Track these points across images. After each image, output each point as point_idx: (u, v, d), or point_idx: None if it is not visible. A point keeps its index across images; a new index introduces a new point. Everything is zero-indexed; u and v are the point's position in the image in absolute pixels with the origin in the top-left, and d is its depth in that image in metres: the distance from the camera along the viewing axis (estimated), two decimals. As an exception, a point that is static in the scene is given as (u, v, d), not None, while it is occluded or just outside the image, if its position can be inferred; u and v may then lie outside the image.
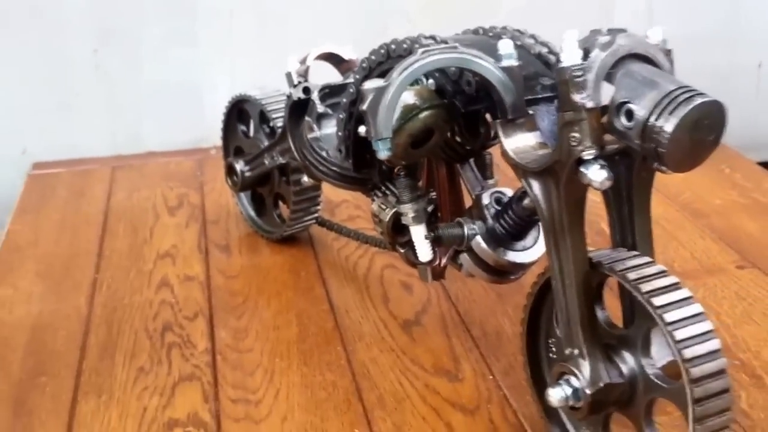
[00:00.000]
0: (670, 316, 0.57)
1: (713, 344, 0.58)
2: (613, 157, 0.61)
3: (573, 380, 0.62)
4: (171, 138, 1.31)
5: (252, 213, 1.07)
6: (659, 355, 0.62)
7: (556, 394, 0.62)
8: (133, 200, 1.17)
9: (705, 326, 0.58)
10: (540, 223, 0.67)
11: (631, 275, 0.60)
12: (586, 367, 0.62)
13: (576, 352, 0.62)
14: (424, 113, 0.66)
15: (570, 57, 0.57)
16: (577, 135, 0.58)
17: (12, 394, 0.79)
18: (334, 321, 0.88)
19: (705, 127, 0.55)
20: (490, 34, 0.72)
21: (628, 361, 0.62)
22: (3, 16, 1.24)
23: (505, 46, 0.62)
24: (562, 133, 0.59)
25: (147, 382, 0.80)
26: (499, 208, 0.71)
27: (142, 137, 1.33)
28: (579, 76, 0.57)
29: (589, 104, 0.57)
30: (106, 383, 0.80)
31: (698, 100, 0.54)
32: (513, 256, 0.71)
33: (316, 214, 1.01)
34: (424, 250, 0.76)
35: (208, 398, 0.77)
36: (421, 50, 0.62)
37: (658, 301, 0.58)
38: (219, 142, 1.07)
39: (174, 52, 1.30)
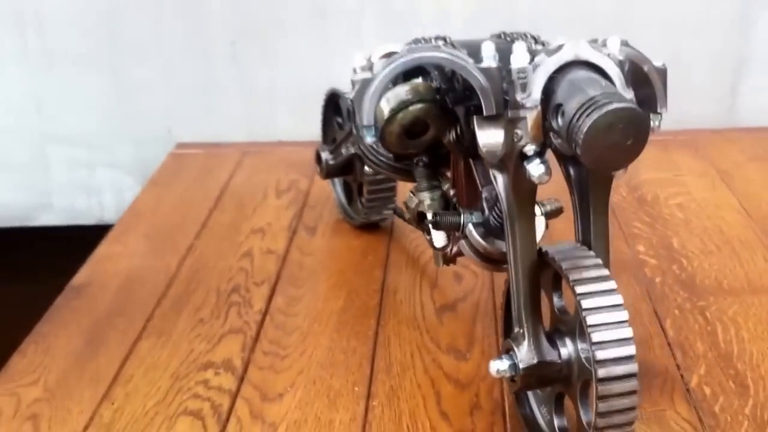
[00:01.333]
0: (592, 319, 0.62)
1: (627, 350, 0.62)
2: (574, 157, 0.66)
3: (513, 355, 0.67)
4: (300, 129, 1.43)
5: (343, 200, 1.17)
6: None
7: (494, 366, 0.68)
8: (250, 182, 1.30)
9: (624, 333, 0.62)
10: None
11: (573, 275, 0.64)
12: (524, 345, 0.67)
13: (521, 331, 0.68)
14: (415, 106, 0.74)
15: (518, 60, 0.64)
16: (519, 132, 0.64)
17: (90, 327, 0.93)
18: (379, 299, 0.96)
19: (620, 132, 0.59)
20: (508, 39, 0.78)
21: (567, 345, 0.67)
22: (156, 13, 1.41)
23: (487, 49, 0.68)
24: (507, 129, 0.65)
25: (201, 330, 0.92)
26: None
27: (274, 126, 1.47)
28: (522, 78, 0.63)
29: (528, 104, 0.63)
30: (168, 328, 0.92)
31: (612, 106, 0.59)
32: (501, 245, 0.77)
33: (392, 204, 1.09)
34: (437, 237, 0.83)
35: (245, 348, 0.88)
36: (407, 48, 0.70)
37: (586, 303, 0.63)
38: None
39: (305, 49, 1.42)
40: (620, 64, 0.65)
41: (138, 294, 1.00)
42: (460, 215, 0.79)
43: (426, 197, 0.84)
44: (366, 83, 0.69)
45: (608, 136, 0.59)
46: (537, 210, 0.80)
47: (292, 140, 1.46)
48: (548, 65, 0.63)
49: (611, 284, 0.64)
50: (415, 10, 1.41)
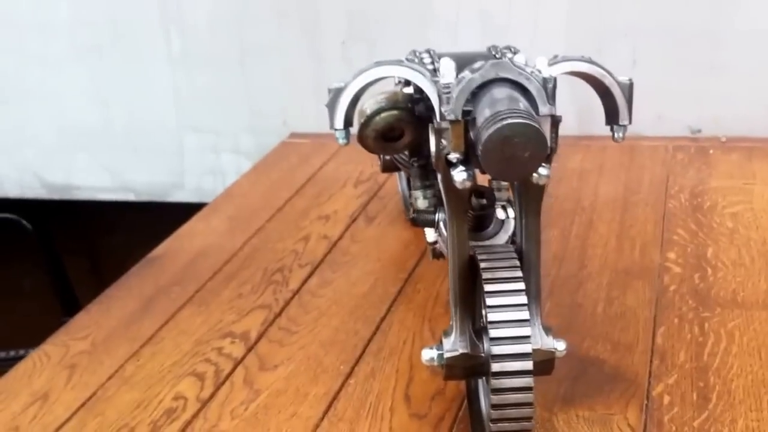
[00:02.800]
0: (493, 316, 0.67)
1: (523, 348, 0.67)
2: None
3: (441, 345, 0.73)
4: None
5: (406, 193, 1.24)
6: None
7: (425, 353, 0.74)
8: (336, 172, 1.40)
9: (522, 332, 0.67)
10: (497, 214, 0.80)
11: (486, 274, 0.70)
12: (452, 336, 0.73)
13: (451, 324, 0.74)
14: (388, 113, 0.81)
15: (446, 76, 0.69)
16: (443, 141, 0.70)
17: (149, 295, 1.07)
18: (400, 287, 1.04)
19: (516, 145, 0.64)
20: (494, 53, 0.84)
21: (485, 340, 0.72)
22: (276, 19, 1.54)
23: (445, 65, 0.74)
24: (435, 138, 0.71)
25: (236, 304, 1.03)
26: None
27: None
28: (446, 92, 0.69)
29: (450, 116, 0.69)
30: (210, 299, 1.05)
31: (508, 121, 0.64)
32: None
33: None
34: (428, 232, 0.90)
35: (265, 323, 0.99)
36: (374, 62, 0.77)
37: (490, 300, 0.68)
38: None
39: (405, 52, 1.50)
40: (544, 81, 0.69)
41: (199, 268, 1.12)
42: (435, 213, 0.85)
43: (419, 195, 0.90)
44: (338, 92, 0.78)
45: (505, 148, 0.64)
46: (509, 212, 0.85)
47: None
48: (471, 82, 0.69)
49: (519, 285, 0.69)
50: (512, 25, 1.46)
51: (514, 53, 0.84)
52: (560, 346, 0.74)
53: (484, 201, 0.81)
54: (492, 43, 0.87)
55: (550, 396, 0.82)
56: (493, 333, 0.67)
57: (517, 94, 0.68)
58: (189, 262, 1.15)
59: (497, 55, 0.84)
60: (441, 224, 0.85)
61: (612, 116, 0.78)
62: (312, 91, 1.57)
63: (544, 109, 0.69)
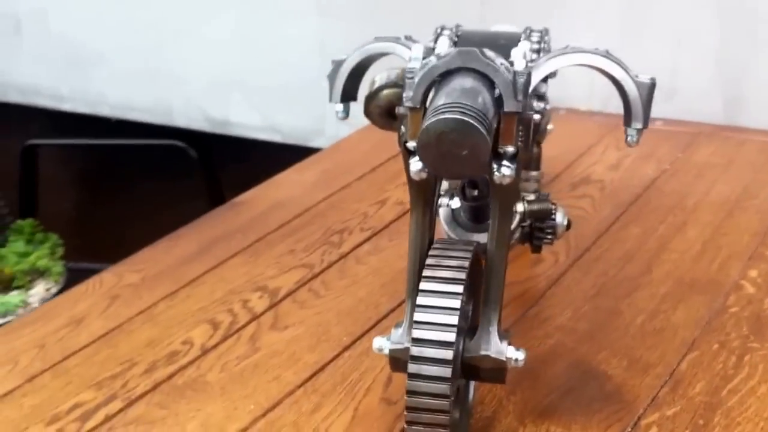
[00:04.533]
0: (418, 316, 0.64)
1: (445, 336, 0.63)
2: None
3: (390, 335, 0.71)
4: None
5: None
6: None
7: (375, 342, 0.71)
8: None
9: (445, 336, 0.64)
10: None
11: (427, 271, 0.67)
12: (400, 329, 0.70)
13: (405, 316, 0.71)
14: (390, 90, 0.77)
15: (413, 62, 0.66)
16: (403, 127, 0.66)
17: (214, 237, 1.10)
18: (446, 265, 1.01)
19: (452, 142, 0.60)
20: (525, 35, 0.78)
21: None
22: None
23: (415, 49, 0.69)
24: (397, 124, 0.67)
25: (284, 259, 1.04)
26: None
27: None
28: (410, 78, 0.65)
29: (409, 103, 0.65)
30: (263, 250, 1.06)
31: (444, 116, 0.60)
32: (460, 233, 0.79)
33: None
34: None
35: (299, 282, 0.99)
36: (374, 37, 0.74)
37: (421, 299, 0.65)
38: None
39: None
40: (516, 75, 0.64)
41: (270, 218, 1.14)
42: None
43: None
44: (338, 65, 0.76)
45: (441, 144, 0.61)
46: (517, 206, 0.80)
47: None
48: (433, 69, 0.65)
49: (458, 288, 0.65)
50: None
51: (542, 38, 0.78)
52: (517, 355, 0.69)
53: (476, 192, 0.77)
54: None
55: (530, 405, 0.77)
56: (416, 333, 0.64)
57: (480, 87, 0.63)
58: (264, 211, 1.17)
59: (530, 38, 0.78)
60: (441, 211, 0.81)
61: (626, 117, 0.71)
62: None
63: (510, 105, 0.63)
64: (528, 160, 0.83)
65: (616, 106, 1.42)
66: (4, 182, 2.20)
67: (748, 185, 1.17)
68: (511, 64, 0.64)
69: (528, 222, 0.84)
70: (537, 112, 0.69)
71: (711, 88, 1.37)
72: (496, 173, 0.65)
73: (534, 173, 0.85)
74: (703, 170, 1.21)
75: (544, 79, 0.74)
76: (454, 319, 0.63)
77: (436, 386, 0.63)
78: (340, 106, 0.76)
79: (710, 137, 1.30)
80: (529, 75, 0.64)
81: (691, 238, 1.04)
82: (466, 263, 0.66)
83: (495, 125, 0.63)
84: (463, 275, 0.65)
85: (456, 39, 0.78)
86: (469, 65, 0.64)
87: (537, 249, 0.86)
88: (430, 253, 0.68)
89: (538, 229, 0.84)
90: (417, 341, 0.64)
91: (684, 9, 1.36)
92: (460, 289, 0.64)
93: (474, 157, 0.61)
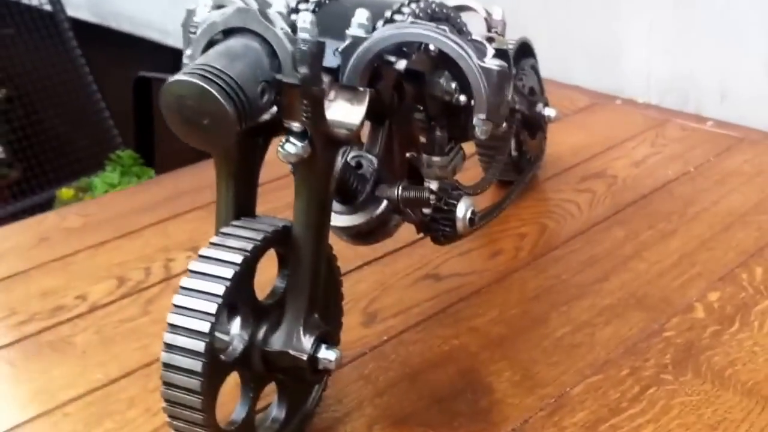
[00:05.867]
0: (177, 299, 0.59)
1: (199, 324, 0.57)
2: None
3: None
4: (592, 81, 1.36)
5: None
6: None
7: None
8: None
9: (205, 306, 0.57)
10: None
11: (203, 250, 0.61)
12: None
13: None
14: None
15: (197, 14, 0.60)
16: None
17: (207, 203, 1.07)
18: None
19: (192, 108, 0.55)
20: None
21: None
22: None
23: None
24: None
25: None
26: None
27: (571, 74, 1.40)
28: (192, 34, 0.60)
29: (186, 60, 0.59)
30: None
31: (182, 78, 0.55)
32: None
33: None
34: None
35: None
36: None
37: (184, 281, 0.59)
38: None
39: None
40: (301, 43, 0.57)
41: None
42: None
43: None
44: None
45: (182, 109, 0.56)
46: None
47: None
48: (212, 27, 0.59)
49: (227, 271, 0.58)
50: None
51: (428, 7, 0.70)
52: (327, 355, 0.62)
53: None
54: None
55: (390, 411, 0.71)
56: (170, 318, 0.58)
57: (256, 52, 0.57)
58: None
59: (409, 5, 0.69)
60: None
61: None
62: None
63: (288, 75, 0.57)
64: (432, 144, 0.75)
65: (676, 101, 1.29)
66: (120, 113, 2.24)
67: (765, 199, 1.02)
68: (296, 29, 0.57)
69: (429, 211, 0.76)
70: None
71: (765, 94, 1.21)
72: (280, 150, 0.58)
73: (437, 159, 0.76)
74: (727, 178, 1.07)
75: (406, 55, 0.66)
76: (212, 307, 0.57)
77: (187, 380, 0.57)
78: None
79: (754, 144, 1.15)
80: (319, 45, 0.57)
81: (671, 249, 0.92)
82: (250, 246, 0.60)
83: (270, 97, 0.57)
84: (239, 258, 0.59)
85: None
86: (249, 26, 0.57)
87: (436, 240, 0.77)
88: (221, 230, 0.62)
89: (434, 220, 0.75)
90: (171, 327, 0.58)
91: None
92: (229, 273, 0.58)
93: (216, 128, 0.55)
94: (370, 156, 0.73)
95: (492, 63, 0.62)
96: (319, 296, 0.65)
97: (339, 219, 0.72)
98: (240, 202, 0.64)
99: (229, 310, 0.62)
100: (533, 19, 1.40)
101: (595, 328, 0.80)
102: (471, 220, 0.76)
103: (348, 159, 0.73)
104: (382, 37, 0.63)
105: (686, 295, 0.84)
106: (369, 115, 0.74)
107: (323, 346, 0.63)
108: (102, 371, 0.76)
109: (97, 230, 1.00)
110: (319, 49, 0.57)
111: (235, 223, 0.63)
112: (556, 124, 1.22)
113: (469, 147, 0.81)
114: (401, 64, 0.68)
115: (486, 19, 0.90)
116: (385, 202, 0.71)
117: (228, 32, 0.59)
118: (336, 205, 0.73)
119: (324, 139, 0.61)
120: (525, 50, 1.04)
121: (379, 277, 0.89)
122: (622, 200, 1.03)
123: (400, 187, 0.72)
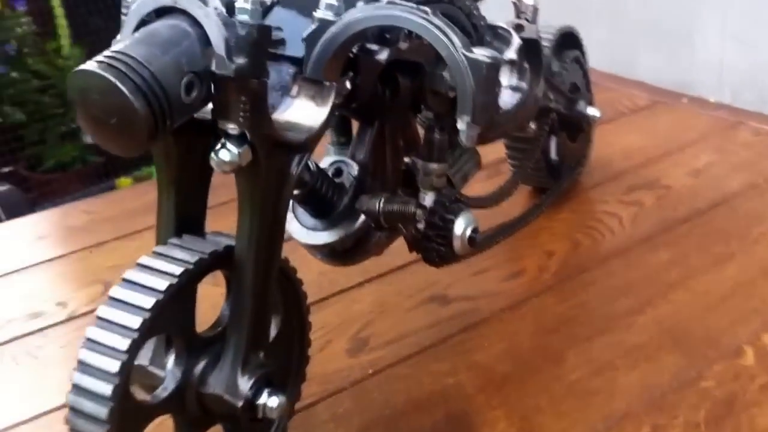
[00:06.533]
0: (101, 311, 0.49)
1: (109, 364, 0.47)
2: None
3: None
4: (657, 76, 1.22)
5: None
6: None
7: None
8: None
9: (117, 342, 0.48)
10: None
11: (144, 259, 0.52)
12: None
13: None
14: None
15: None
16: None
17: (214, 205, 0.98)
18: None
19: (96, 104, 0.45)
20: None
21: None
22: None
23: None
24: None
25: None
26: None
27: (635, 65, 1.26)
28: (124, 14, 0.50)
29: (118, 45, 0.49)
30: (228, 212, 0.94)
31: (83, 67, 0.45)
32: (295, 230, 0.62)
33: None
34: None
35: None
36: None
37: (113, 291, 0.51)
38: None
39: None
40: (238, 27, 0.47)
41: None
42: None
43: None
44: None
45: (86, 104, 0.46)
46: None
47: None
48: (142, 6, 0.49)
49: (146, 301, 0.49)
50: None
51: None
52: (269, 402, 0.52)
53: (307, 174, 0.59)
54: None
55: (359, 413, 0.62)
56: (81, 354, 0.48)
57: (187, 38, 0.47)
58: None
59: None
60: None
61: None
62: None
63: (219, 65, 0.46)
64: (429, 148, 0.64)
65: (752, 99, 1.13)
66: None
67: None
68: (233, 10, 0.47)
69: (421, 226, 0.65)
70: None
71: None
72: (212, 157, 0.48)
73: (434, 166, 0.64)
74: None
75: (390, 43, 0.55)
76: (124, 343, 0.47)
77: (92, 428, 0.48)
78: None
79: None
80: (263, 30, 0.47)
81: (724, 278, 0.79)
82: (179, 270, 0.50)
83: (201, 92, 0.48)
84: (163, 284, 0.49)
85: None
86: (180, 5, 0.47)
87: (430, 261, 0.66)
88: (154, 249, 0.52)
89: (427, 237, 0.64)
90: (81, 365, 0.48)
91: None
92: (149, 302, 0.49)
93: (126, 129, 0.45)
94: (351, 162, 0.62)
95: (481, 54, 0.50)
96: (265, 329, 0.54)
97: (309, 236, 0.62)
98: (182, 214, 0.55)
99: (168, 342, 0.53)
100: (591, 2, 1.28)
101: (618, 372, 0.68)
102: (471, 239, 0.64)
103: (326, 165, 0.64)
104: (350, 21, 0.52)
105: (736, 335, 0.71)
106: (355, 113, 0.64)
107: (266, 391, 0.53)
108: (47, 396, 0.68)
109: (96, 231, 0.93)
110: (261, 35, 0.47)
111: (172, 241, 0.53)
112: (611, 124, 1.10)
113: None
114: (383, 55, 0.57)
115: (515, 4, 0.78)
116: (362, 217, 0.61)
117: (161, 13, 0.49)
118: (307, 219, 0.63)
119: (269, 144, 0.50)
120: (568, 40, 0.92)
121: (378, 297, 0.78)
122: (672, 216, 0.90)
123: (383, 199, 0.61)
